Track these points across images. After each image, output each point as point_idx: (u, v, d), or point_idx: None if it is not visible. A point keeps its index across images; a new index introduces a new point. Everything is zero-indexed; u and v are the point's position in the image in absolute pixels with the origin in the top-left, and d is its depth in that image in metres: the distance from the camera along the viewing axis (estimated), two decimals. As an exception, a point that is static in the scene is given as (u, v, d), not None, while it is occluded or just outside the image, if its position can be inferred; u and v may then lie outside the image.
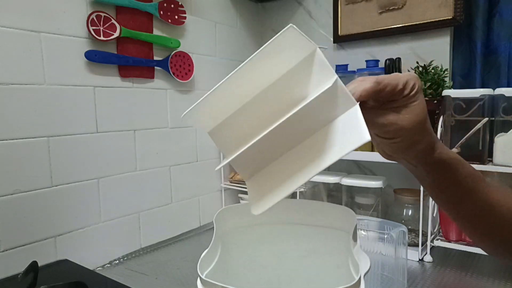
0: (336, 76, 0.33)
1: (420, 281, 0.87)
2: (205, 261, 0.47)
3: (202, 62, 1.25)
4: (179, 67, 1.15)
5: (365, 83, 0.34)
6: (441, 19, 1.09)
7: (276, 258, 0.61)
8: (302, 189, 1.25)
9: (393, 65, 1.08)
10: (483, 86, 1.10)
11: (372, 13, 1.21)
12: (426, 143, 0.37)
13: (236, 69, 0.37)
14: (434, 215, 0.98)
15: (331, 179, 1.15)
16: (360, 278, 0.38)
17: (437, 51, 1.13)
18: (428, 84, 1.03)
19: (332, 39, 1.32)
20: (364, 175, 1.24)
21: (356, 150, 0.33)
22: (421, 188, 0.96)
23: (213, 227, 0.54)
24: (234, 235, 0.59)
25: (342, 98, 0.33)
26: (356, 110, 0.33)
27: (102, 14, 0.94)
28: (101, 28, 0.94)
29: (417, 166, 0.40)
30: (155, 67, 1.10)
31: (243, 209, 0.61)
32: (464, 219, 0.43)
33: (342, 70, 1.23)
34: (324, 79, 0.33)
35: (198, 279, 0.43)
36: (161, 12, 1.08)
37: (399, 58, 1.09)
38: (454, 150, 0.98)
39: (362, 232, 0.85)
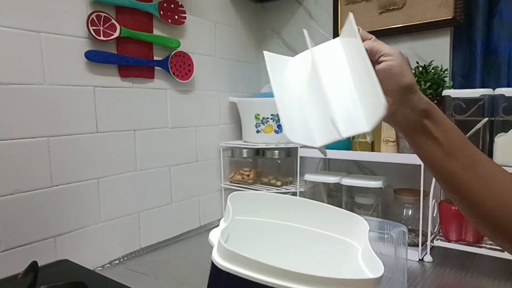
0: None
1: (420, 281, 0.87)
2: (216, 235, 0.47)
3: (202, 62, 1.25)
4: (179, 67, 1.15)
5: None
6: (441, 19, 1.09)
7: (287, 251, 0.60)
8: (302, 189, 1.25)
9: (393, 65, 1.08)
10: (483, 86, 1.10)
11: (372, 13, 1.21)
12: (412, 77, 0.45)
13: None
14: (434, 215, 0.98)
15: (331, 179, 1.15)
16: (382, 275, 0.38)
17: (437, 51, 1.13)
18: (428, 84, 1.02)
19: (332, 39, 1.32)
20: (364, 175, 1.24)
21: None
22: (421, 188, 0.96)
23: (215, 225, 0.54)
24: (245, 223, 0.59)
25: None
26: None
27: (102, 14, 0.94)
28: (101, 28, 0.94)
29: (411, 113, 0.45)
30: (155, 67, 1.10)
31: (256, 197, 0.61)
32: (453, 179, 0.45)
33: (342, 70, 1.22)
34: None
35: (215, 249, 0.42)
36: (161, 12, 1.08)
37: (399, 58, 1.09)
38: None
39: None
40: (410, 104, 0.45)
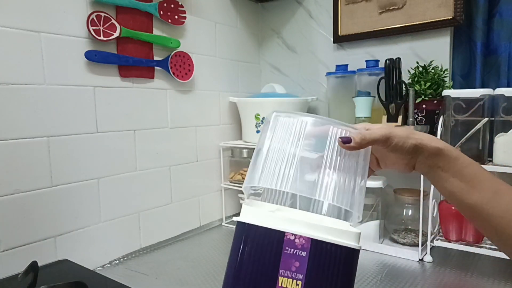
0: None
1: (420, 281, 0.87)
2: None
3: (202, 62, 1.25)
4: (179, 67, 1.15)
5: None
6: (441, 19, 1.09)
7: None
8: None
9: (393, 65, 1.08)
10: (483, 86, 1.10)
11: (372, 13, 1.21)
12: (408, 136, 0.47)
13: None
14: (434, 215, 0.98)
15: (331, 179, 1.15)
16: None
17: (437, 51, 1.13)
18: (428, 84, 1.03)
19: (332, 39, 1.32)
20: (364, 175, 1.24)
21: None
22: (421, 188, 0.96)
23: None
24: None
25: None
26: None
27: (102, 14, 0.94)
28: (101, 28, 0.94)
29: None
30: (155, 67, 1.10)
31: None
32: (475, 212, 0.45)
33: (342, 70, 1.23)
34: None
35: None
36: (161, 12, 1.08)
37: (399, 58, 1.09)
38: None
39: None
40: (421, 157, 0.46)
